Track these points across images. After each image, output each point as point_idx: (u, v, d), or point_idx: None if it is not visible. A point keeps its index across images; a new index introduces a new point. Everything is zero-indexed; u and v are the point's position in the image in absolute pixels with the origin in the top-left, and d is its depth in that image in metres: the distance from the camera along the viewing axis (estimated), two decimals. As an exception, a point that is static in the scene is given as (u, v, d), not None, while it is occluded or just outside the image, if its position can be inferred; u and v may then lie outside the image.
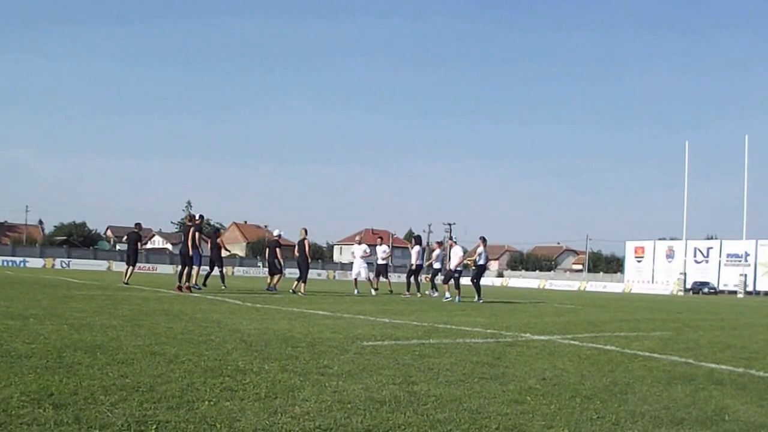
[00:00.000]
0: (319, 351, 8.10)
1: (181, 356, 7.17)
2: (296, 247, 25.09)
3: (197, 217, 23.17)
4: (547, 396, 5.91)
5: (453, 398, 5.61)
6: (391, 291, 28.78)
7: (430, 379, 6.47)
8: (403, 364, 7.36)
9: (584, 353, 9.17)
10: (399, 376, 6.53)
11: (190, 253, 21.97)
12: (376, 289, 27.63)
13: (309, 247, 24.82)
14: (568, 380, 6.82)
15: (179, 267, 22.88)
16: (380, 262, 28.33)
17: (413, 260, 28.35)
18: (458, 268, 24.43)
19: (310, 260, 25.03)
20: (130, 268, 26.91)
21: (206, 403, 5.04)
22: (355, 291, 26.68)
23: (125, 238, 27.52)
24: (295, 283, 24.58)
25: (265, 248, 25.26)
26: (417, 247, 28.49)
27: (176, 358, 7.05)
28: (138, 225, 27.60)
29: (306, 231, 24.75)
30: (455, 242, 26.13)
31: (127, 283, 25.53)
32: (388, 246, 28.24)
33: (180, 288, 21.28)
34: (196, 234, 22.08)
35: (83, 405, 4.79)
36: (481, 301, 24.07)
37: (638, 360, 8.74)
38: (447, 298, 23.99)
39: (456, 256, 24.78)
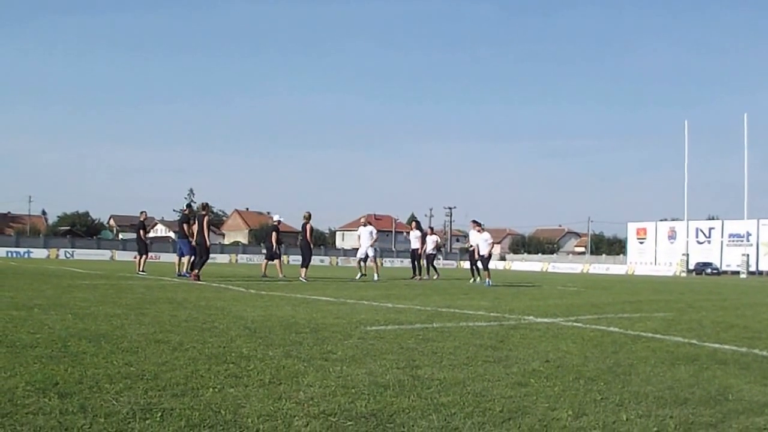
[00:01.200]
0: (322, 336, 8.12)
1: (186, 344, 7.19)
2: (300, 232, 24.96)
3: (186, 207, 23.46)
4: (551, 378, 5.92)
5: (457, 381, 5.63)
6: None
7: (434, 362, 6.50)
8: (407, 348, 7.38)
9: (587, 335, 9.19)
10: (402, 360, 6.55)
11: (208, 244, 22.23)
12: (364, 274, 27.57)
13: (311, 231, 24.59)
14: (572, 362, 6.84)
15: (191, 257, 23.03)
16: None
17: (413, 245, 28.53)
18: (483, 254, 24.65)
19: (312, 245, 25.01)
20: (142, 257, 27.01)
21: (211, 390, 5.06)
22: (358, 275, 26.67)
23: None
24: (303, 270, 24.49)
25: (267, 234, 25.26)
26: (417, 232, 28.73)
27: (180, 345, 7.07)
28: (142, 213, 27.65)
29: (310, 215, 24.38)
30: (482, 228, 26.03)
31: (140, 272, 25.63)
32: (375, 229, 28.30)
33: (197, 277, 21.22)
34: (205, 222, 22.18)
35: (88, 394, 4.81)
36: (472, 281, 24.15)
37: (641, 341, 8.75)
38: (488, 283, 24.16)
39: (485, 242, 24.90)
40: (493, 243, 25.20)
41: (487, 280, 24.49)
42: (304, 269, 24.13)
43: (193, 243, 22.53)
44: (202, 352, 6.66)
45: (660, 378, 6.14)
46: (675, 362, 7.07)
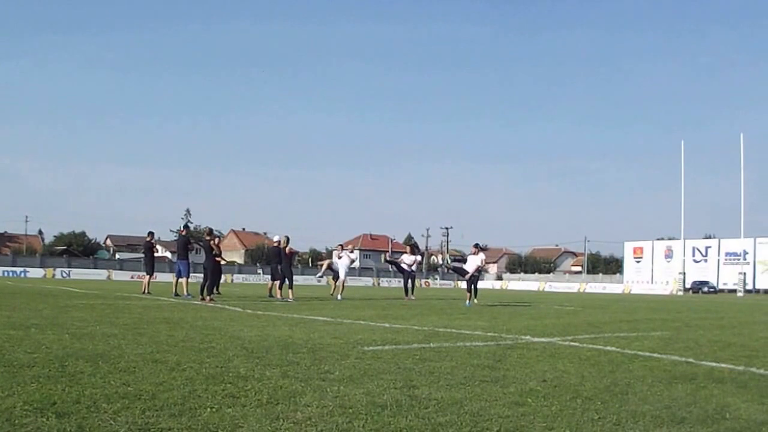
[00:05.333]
0: (320, 357, 8.12)
1: (183, 364, 7.19)
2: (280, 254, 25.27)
3: (183, 228, 23.84)
4: (548, 398, 5.93)
5: (454, 401, 5.63)
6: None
7: (431, 382, 6.49)
8: (404, 368, 7.38)
9: (584, 354, 9.19)
10: (400, 380, 6.55)
11: (222, 262, 22.87)
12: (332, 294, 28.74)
13: (290, 253, 25.41)
14: (569, 381, 6.84)
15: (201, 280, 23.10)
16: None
17: (406, 265, 28.79)
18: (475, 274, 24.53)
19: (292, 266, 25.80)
20: (147, 277, 27.00)
21: (208, 409, 5.06)
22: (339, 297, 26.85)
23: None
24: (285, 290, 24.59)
25: (274, 255, 25.50)
26: (414, 256, 29.00)
27: (178, 365, 7.07)
28: (150, 234, 27.66)
29: (288, 239, 25.32)
30: (478, 249, 25.94)
31: (146, 293, 25.53)
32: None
33: (203, 299, 21.25)
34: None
35: (86, 413, 4.82)
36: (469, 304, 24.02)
37: (639, 360, 8.76)
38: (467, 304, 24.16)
39: (472, 262, 24.81)
40: (479, 265, 24.82)
41: (467, 301, 24.41)
42: (290, 290, 24.24)
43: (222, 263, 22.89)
44: (200, 372, 6.66)
45: (657, 397, 6.15)
46: (672, 381, 7.08)
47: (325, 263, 30.04)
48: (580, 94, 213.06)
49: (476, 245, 25.31)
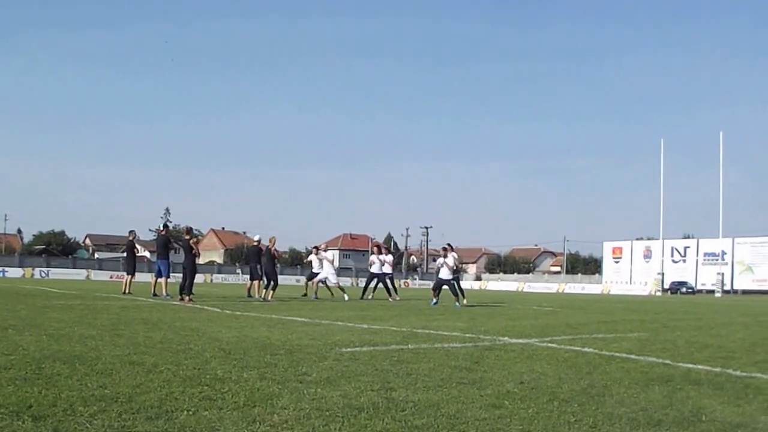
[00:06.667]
0: (297, 358, 8.12)
1: (160, 365, 7.17)
2: (259, 254, 25.29)
3: (162, 227, 23.88)
4: (525, 400, 5.95)
5: (431, 404, 5.64)
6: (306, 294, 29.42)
7: (409, 384, 6.50)
8: (382, 370, 7.39)
9: (562, 356, 9.23)
10: (377, 382, 6.56)
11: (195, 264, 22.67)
12: (304, 294, 29.15)
13: (275, 254, 25.37)
14: (546, 383, 6.87)
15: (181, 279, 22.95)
16: (316, 269, 28.91)
17: (374, 268, 28.82)
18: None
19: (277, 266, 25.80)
20: (128, 277, 26.81)
21: (185, 412, 5.06)
22: (346, 296, 26.80)
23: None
24: (264, 290, 24.56)
25: (254, 254, 25.47)
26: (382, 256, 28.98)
27: (155, 367, 7.05)
28: (131, 233, 27.51)
29: (274, 240, 25.38)
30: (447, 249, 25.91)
31: (126, 293, 25.35)
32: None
33: (182, 299, 21.14)
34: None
35: (62, 417, 4.80)
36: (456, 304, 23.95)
37: (616, 362, 8.80)
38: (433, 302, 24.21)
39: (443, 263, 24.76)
40: (451, 266, 24.68)
41: (434, 299, 24.45)
42: (271, 291, 24.26)
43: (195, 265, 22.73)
44: (177, 374, 6.65)
45: (634, 399, 6.18)
46: (649, 383, 7.11)
47: (314, 283, 29.65)
48: (559, 93, 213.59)
49: (444, 248, 25.35)
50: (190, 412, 5.06)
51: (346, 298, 26.43)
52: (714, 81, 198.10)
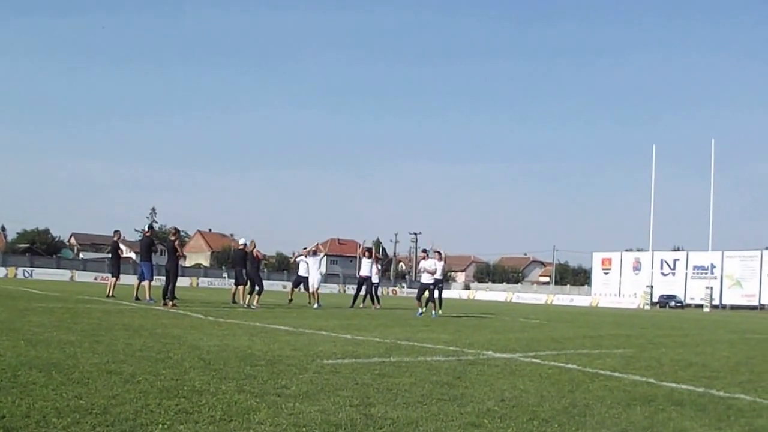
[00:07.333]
0: (277, 370, 8.05)
1: (138, 375, 7.09)
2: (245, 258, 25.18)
3: (147, 229, 23.86)
4: (505, 419, 5.89)
5: (410, 421, 5.58)
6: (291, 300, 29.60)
7: (388, 400, 6.44)
8: (362, 384, 7.32)
9: (545, 372, 9.18)
10: (357, 397, 6.49)
11: (177, 266, 22.50)
12: (290, 300, 29.52)
13: (257, 258, 25.24)
14: (528, 401, 6.82)
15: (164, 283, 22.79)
16: (303, 273, 28.96)
17: (365, 272, 28.68)
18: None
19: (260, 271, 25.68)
20: (113, 279, 26.62)
21: (160, 426, 4.99)
22: (316, 305, 26.70)
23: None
24: (248, 296, 24.48)
25: (239, 259, 25.49)
26: (368, 260, 28.89)
27: (132, 377, 6.97)
28: (116, 233, 27.26)
29: (254, 242, 25.23)
30: (427, 255, 25.88)
31: (110, 296, 25.19)
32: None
33: (165, 304, 20.96)
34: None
35: (35, 429, 4.76)
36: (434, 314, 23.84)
37: (599, 379, 8.76)
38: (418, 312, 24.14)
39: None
40: (431, 269, 24.63)
41: (419, 310, 24.40)
42: (257, 296, 24.17)
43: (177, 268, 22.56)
44: (154, 385, 6.57)
45: (615, 420, 6.13)
46: (631, 403, 7.07)
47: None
48: (553, 103, 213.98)
49: (424, 249, 25.33)
50: (166, 426, 5.00)
51: (316, 306, 26.32)
52: (706, 88, 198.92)
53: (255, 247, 25.00)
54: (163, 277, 22.85)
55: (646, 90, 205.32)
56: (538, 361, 10.58)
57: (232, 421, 5.28)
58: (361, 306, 28.25)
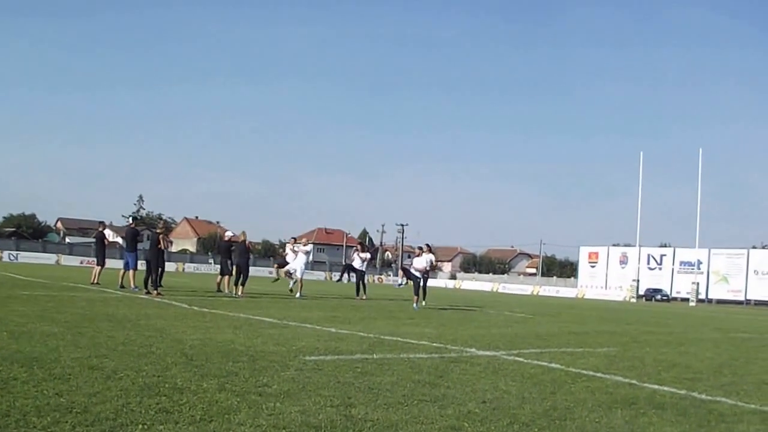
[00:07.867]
0: (260, 366, 8.04)
1: (120, 371, 7.08)
2: (230, 249, 25.69)
3: (132, 220, 24.02)
4: (485, 422, 5.90)
5: (390, 424, 5.59)
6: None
7: (369, 400, 6.45)
8: (344, 383, 7.32)
9: (528, 372, 9.19)
10: (338, 397, 6.50)
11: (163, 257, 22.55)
12: (276, 280, 31.76)
13: (249, 247, 25.69)
14: (509, 403, 6.83)
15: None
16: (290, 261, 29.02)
17: (357, 265, 28.91)
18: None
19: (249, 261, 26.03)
20: (98, 267, 26.82)
21: (140, 426, 5.00)
22: (298, 294, 26.72)
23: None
24: (234, 286, 24.64)
25: (225, 250, 25.65)
26: (364, 254, 29.17)
27: (114, 373, 6.96)
28: (101, 224, 27.45)
29: (245, 233, 25.67)
30: (422, 250, 25.94)
31: (95, 283, 25.33)
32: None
33: (149, 292, 20.95)
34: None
35: (14, 428, 4.75)
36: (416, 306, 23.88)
37: (581, 380, 8.76)
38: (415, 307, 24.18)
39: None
40: (425, 266, 24.73)
41: (415, 304, 24.39)
42: (241, 286, 24.24)
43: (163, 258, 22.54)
44: (136, 382, 6.56)
45: (595, 424, 6.15)
46: (612, 406, 7.09)
47: (282, 272, 29.78)
48: (542, 100, 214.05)
49: (420, 247, 25.41)
50: (146, 426, 5.01)
51: (298, 296, 26.29)
52: (695, 100, 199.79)
53: (246, 237, 25.09)
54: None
55: (635, 103, 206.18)
56: (521, 359, 10.57)
57: (213, 421, 5.28)
58: (363, 298, 28.41)
